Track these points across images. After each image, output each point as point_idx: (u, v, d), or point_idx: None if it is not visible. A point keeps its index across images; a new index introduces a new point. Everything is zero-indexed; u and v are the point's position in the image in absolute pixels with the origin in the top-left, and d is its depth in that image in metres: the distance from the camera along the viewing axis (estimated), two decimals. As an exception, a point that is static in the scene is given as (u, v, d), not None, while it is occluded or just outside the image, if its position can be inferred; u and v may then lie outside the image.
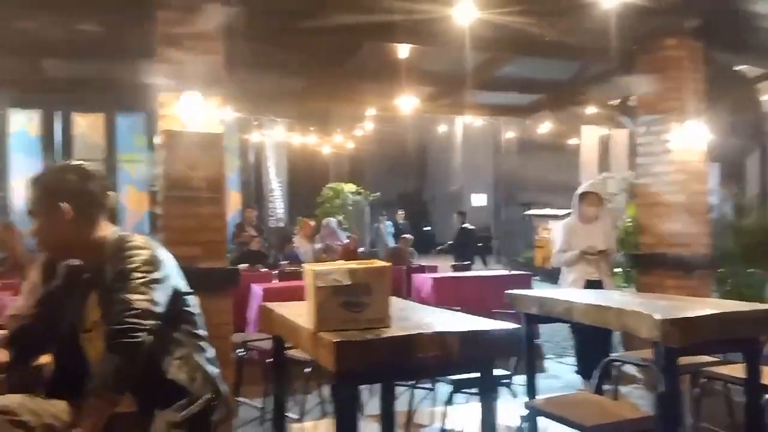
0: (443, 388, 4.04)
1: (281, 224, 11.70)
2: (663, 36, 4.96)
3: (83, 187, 1.91)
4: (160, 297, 1.81)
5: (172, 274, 1.92)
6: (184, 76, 3.71)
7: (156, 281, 1.81)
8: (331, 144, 11.88)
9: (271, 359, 3.67)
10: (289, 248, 8.50)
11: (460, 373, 2.71)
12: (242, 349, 4.31)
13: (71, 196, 1.88)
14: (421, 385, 4.07)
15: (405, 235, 10.70)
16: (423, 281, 6.82)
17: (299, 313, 2.30)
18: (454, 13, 4.15)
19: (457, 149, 20.39)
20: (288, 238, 9.00)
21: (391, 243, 13.03)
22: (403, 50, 5.41)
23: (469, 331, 1.98)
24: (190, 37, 3.74)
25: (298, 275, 6.63)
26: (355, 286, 1.96)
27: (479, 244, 13.21)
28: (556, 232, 5.42)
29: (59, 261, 2.04)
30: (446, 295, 6.14)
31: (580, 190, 5.04)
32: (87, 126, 8.97)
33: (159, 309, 1.79)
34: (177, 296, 1.91)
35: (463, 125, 13.69)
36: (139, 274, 1.79)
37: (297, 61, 5.75)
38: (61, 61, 5.68)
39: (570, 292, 3.99)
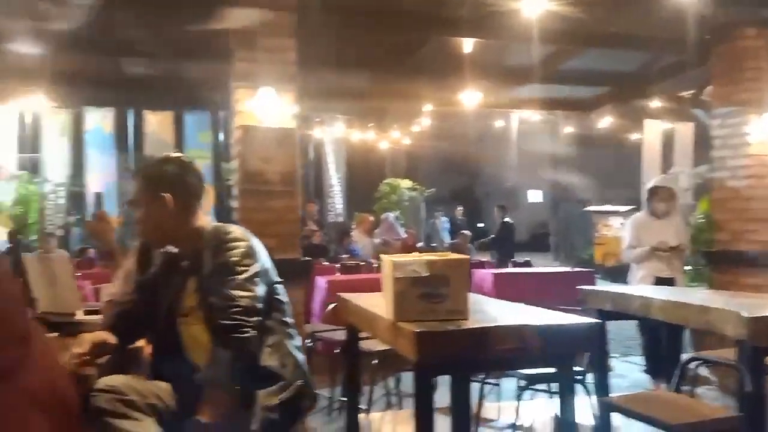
0: (507, 384, 4.02)
1: (340, 219, 11.82)
2: (741, 25, 4.77)
3: (184, 179, 2.00)
4: (261, 291, 1.88)
5: (267, 264, 1.98)
6: (259, 74, 3.82)
7: (257, 275, 1.88)
8: (389, 140, 11.93)
9: (338, 350, 3.76)
10: (348, 242, 8.60)
11: (539, 367, 2.69)
12: (309, 340, 4.41)
13: (173, 186, 1.96)
14: (487, 380, 4.06)
15: (463, 231, 10.65)
16: (484, 277, 6.77)
17: (374, 304, 2.33)
18: (522, 6, 4.11)
19: (513, 145, 20.07)
20: (346, 232, 9.08)
21: (447, 239, 12.97)
22: (467, 45, 5.39)
23: (550, 325, 1.96)
24: (264, 35, 3.85)
25: (359, 269, 6.73)
26: (433, 277, 1.98)
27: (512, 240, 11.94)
28: (624, 227, 5.29)
29: (157, 249, 2.14)
30: (508, 291, 6.04)
31: (651, 184, 4.90)
32: (157, 123, 9.31)
33: (261, 304, 1.86)
34: (270, 286, 1.97)
35: (519, 120, 13.44)
36: (241, 268, 1.85)
37: (361, 59, 5.82)
38: (135, 60, 5.92)
39: (645, 288, 3.90)
